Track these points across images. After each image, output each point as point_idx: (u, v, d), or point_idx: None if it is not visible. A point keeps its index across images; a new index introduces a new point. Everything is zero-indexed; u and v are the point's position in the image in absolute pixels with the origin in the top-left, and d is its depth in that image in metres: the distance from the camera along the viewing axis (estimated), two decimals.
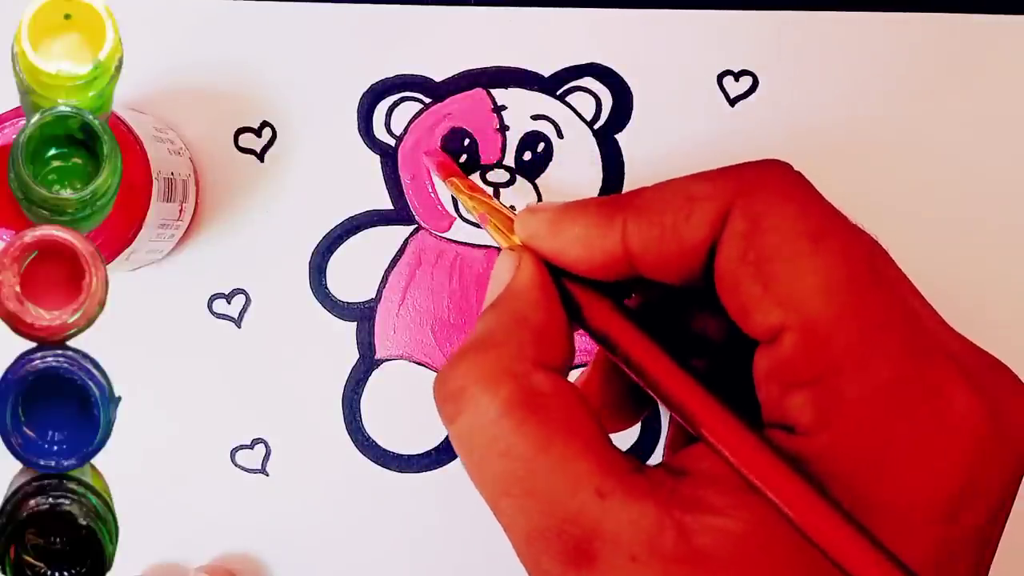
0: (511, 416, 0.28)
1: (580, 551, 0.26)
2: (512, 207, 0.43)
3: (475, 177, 0.43)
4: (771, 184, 0.28)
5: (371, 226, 0.44)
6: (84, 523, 0.26)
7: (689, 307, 0.32)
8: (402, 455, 0.43)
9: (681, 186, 0.29)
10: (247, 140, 0.44)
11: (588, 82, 0.44)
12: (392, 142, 0.44)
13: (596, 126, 0.44)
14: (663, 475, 0.27)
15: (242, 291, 0.44)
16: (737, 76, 0.43)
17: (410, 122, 0.44)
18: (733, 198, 0.28)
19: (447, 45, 0.44)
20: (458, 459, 0.43)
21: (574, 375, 0.31)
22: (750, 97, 0.43)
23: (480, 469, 0.28)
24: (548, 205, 0.31)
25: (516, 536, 0.28)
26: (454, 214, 0.44)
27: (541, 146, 0.44)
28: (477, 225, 0.43)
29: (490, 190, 0.43)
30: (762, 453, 0.26)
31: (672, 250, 0.29)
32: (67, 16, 0.29)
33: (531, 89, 0.44)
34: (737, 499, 0.26)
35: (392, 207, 0.44)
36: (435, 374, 0.43)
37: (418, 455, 0.43)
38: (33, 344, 0.27)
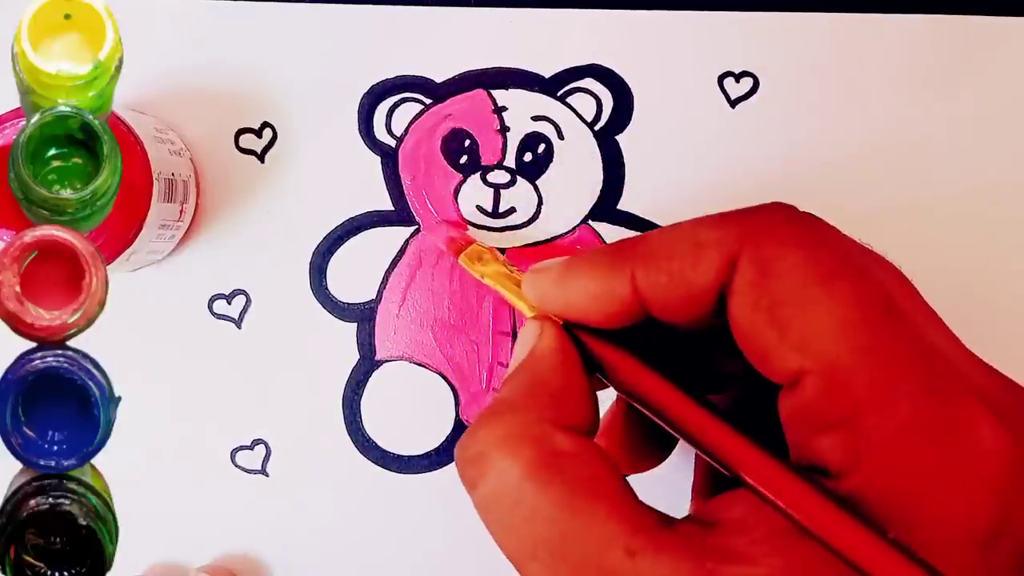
0: (534, 479, 0.27)
1: None
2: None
3: (475, 178, 0.43)
4: (777, 229, 0.28)
5: (371, 227, 0.44)
6: (84, 523, 0.26)
7: (709, 345, 0.32)
8: (402, 456, 0.43)
9: (687, 232, 0.29)
10: (248, 141, 0.44)
11: (589, 83, 0.44)
12: (393, 143, 0.44)
13: (597, 127, 0.44)
14: (692, 528, 0.27)
15: (242, 292, 0.44)
16: (738, 77, 0.43)
17: (411, 123, 0.44)
18: (740, 244, 0.28)
19: (447, 46, 0.44)
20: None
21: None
22: (751, 98, 0.43)
23: (505, 533, 0.28)
24: (552, 263, 0.31)
25: None
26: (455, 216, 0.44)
27: (542, 147, 0.44)
28: (482, 227, 0.43)
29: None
30: (815, 499, 0.26)
31: (681, 295, 0.29)
32: (67, 16, 0.29)
33: (532, 90, 0.44)
34: (769, 546, 0.26)
35: (392, 208, 0.44)
36: (432, 374, 0.43)
37: (418, 456, 0.43)
38: (33, 344, 0.27)
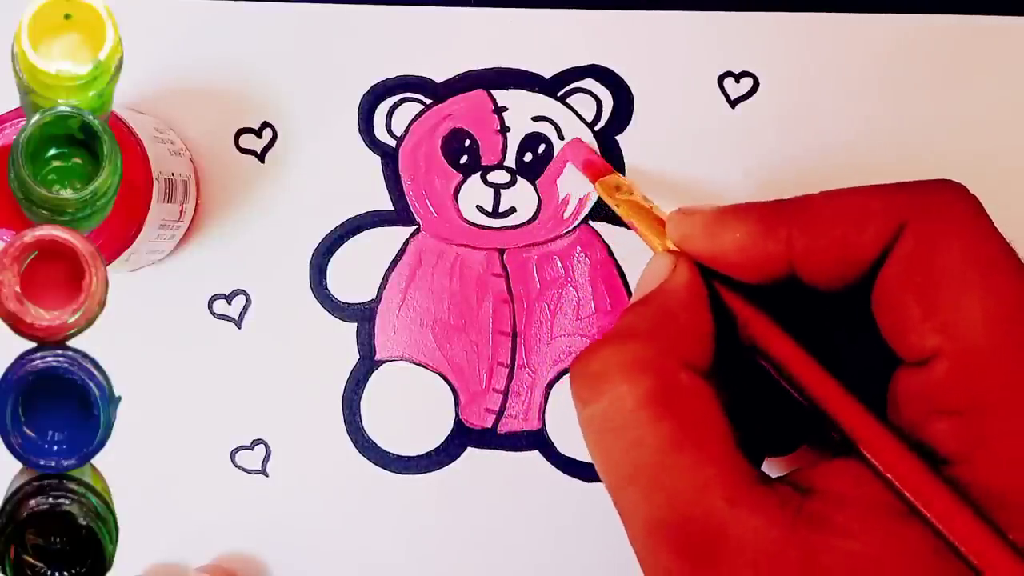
0: (649, 409, 0.28)
1: (702, 551, 0.27)
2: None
3: (476, 178, 0.43)
4: (947, 207, 0.28)
5: (371, 227, 0.44)
6: (84, 523, 0.27)
7: (825, 310, 0.32)
8: (402, 456, 0.43)
9: (853, 198, 0.29)
10: (248, 141, 0.44)
11: (589, 83, 0.44)
12: (393, 143, 0.44)
13: (597, 127, 0.44)
14: (790, 491, 0.28)
15: (242, 292, 0.44)
16: (738, 77, 0.43)
17: (411, 123, 0.44)
18: (907, 216, 0.28)
19: (448, 46, 0.44)
20: (456, 461, 0.43)
21: None
22: (751, 98, 0.43)
23: (608, 454, 0.28)
24: (702, 208, 0.31)
25: (636, 525, 0.28)
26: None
27: (542, 147, 0.44)
28: (481, 227, 0.43)
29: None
30: (930, 481, 0.26)
31: (839, 261, 0.29)
32: (67, 16, 0.29)
33: (532, 90, 0.44)
34: (867, 523, 0.26)
35: (392, 208, 0.44)
36: (432, 374, 0.43)
37: (418, 456, 0.43)
38: (33, 344, 0.27)
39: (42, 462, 0.27)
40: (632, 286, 0.43)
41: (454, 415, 0.43)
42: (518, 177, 0.43)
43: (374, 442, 0.43)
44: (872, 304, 0.29)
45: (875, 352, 0.29)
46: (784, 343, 0.29)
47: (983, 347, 0.26)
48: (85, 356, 0.27)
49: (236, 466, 0.44)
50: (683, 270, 0.31)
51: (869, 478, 0.27)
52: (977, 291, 0.27)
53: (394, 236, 0.44)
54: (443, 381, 0.43)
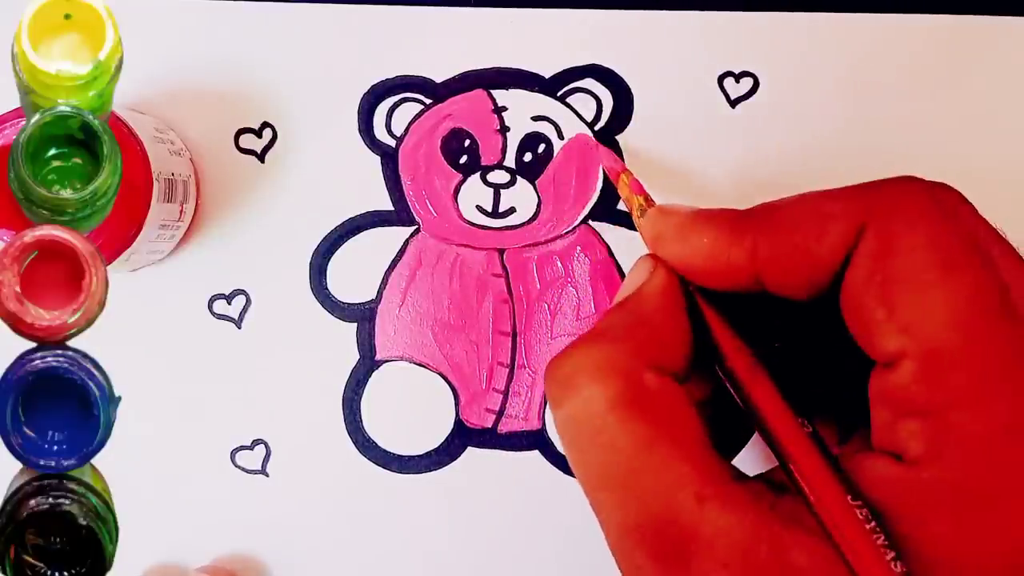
0: (618, 411, 0.28)
1: (675, 551, 0.27)
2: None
3: (475, 178, 0.43)
4: (908, 205, 0.28)
5: (371, 227, 0.44)
6: (84, 523, 0.27)
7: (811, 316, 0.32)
8: (402, 456, 0.43)
9: (814, 203, 0.29)
10: (248, 141, 0.44)
11: (589, 83, 0.44)
12: (393, 143, 0.44)
13: (597, 127, 0.44)
14: (763, 488, 0.28)
15: (242, 292, 0.44)
16: (738, 77, 0.43)
17: (411, 123, 0.44)
18: (868, 216, 0.28)
19: (448, 46, 0.44)
20: (456, 461, 0.43)
21: None
22: (751, 98, 0.43)
23: (581, 457, 0.29)
24: (679, 209, 0.31)
25: (611, 528, 0.28)
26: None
27: (542, 147, 0.44)
28: (481, 227, 0.43)
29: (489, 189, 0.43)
30: (838, 497, 0.26)
31: (802, 267, 0.29)
32: (67, 16, 0.29)
33: (532, 90, 0.44)
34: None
35: (392, 208, 0.44)
36: (432, 374, 0.43)
37: (418, 456, 0.43)
38: (33, 344, 0.27)
39: (42, 462, 0.27)
40: None
41: (454, 415, 0.43)
42: (518, 177, 0.43)
43: (374, 442, 0.43)
44: (841, 308, 0.29)
45: (855, 356, 0.29)
46: (738, 353, 0.29)
47: (946, 346, 0.26)
48: (85, 356, 0.27)
49: (236, 466, 0.44)
50: (659, 274, 0.31)
51: None
52: (939, 290, 0.27)
53: (394, 236, 0.44)
54: (443, 381, 0.43)
